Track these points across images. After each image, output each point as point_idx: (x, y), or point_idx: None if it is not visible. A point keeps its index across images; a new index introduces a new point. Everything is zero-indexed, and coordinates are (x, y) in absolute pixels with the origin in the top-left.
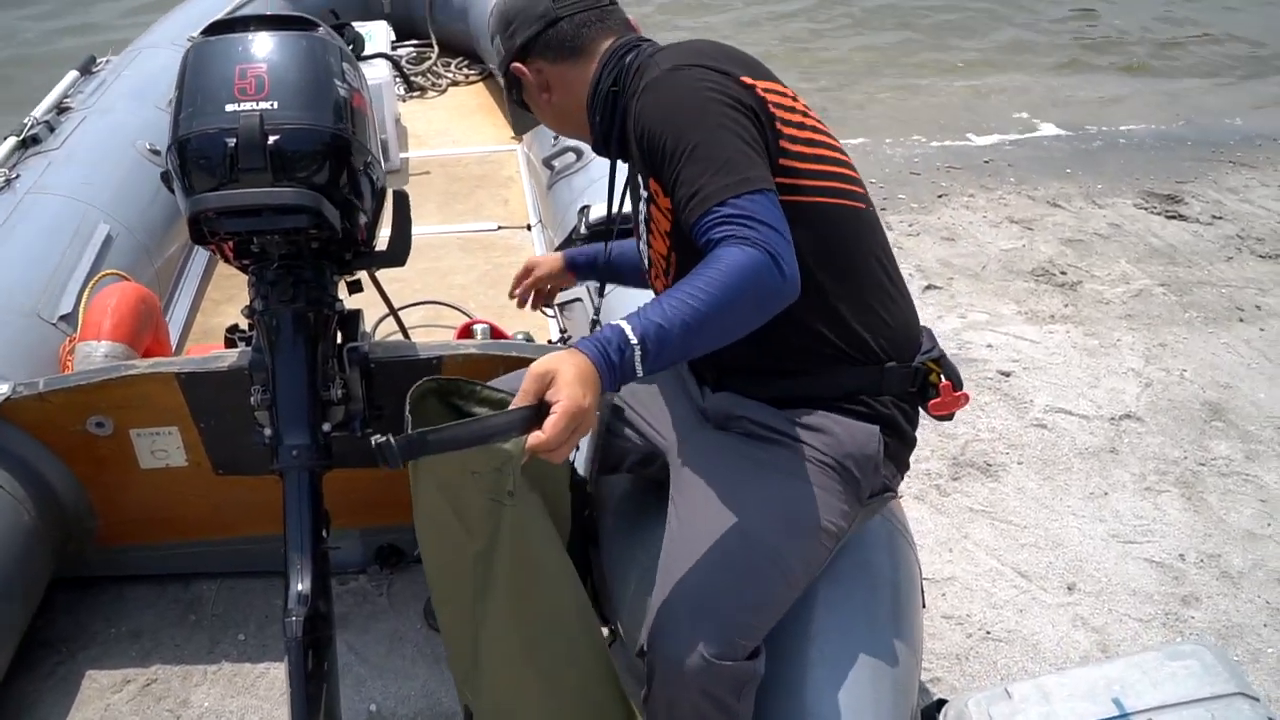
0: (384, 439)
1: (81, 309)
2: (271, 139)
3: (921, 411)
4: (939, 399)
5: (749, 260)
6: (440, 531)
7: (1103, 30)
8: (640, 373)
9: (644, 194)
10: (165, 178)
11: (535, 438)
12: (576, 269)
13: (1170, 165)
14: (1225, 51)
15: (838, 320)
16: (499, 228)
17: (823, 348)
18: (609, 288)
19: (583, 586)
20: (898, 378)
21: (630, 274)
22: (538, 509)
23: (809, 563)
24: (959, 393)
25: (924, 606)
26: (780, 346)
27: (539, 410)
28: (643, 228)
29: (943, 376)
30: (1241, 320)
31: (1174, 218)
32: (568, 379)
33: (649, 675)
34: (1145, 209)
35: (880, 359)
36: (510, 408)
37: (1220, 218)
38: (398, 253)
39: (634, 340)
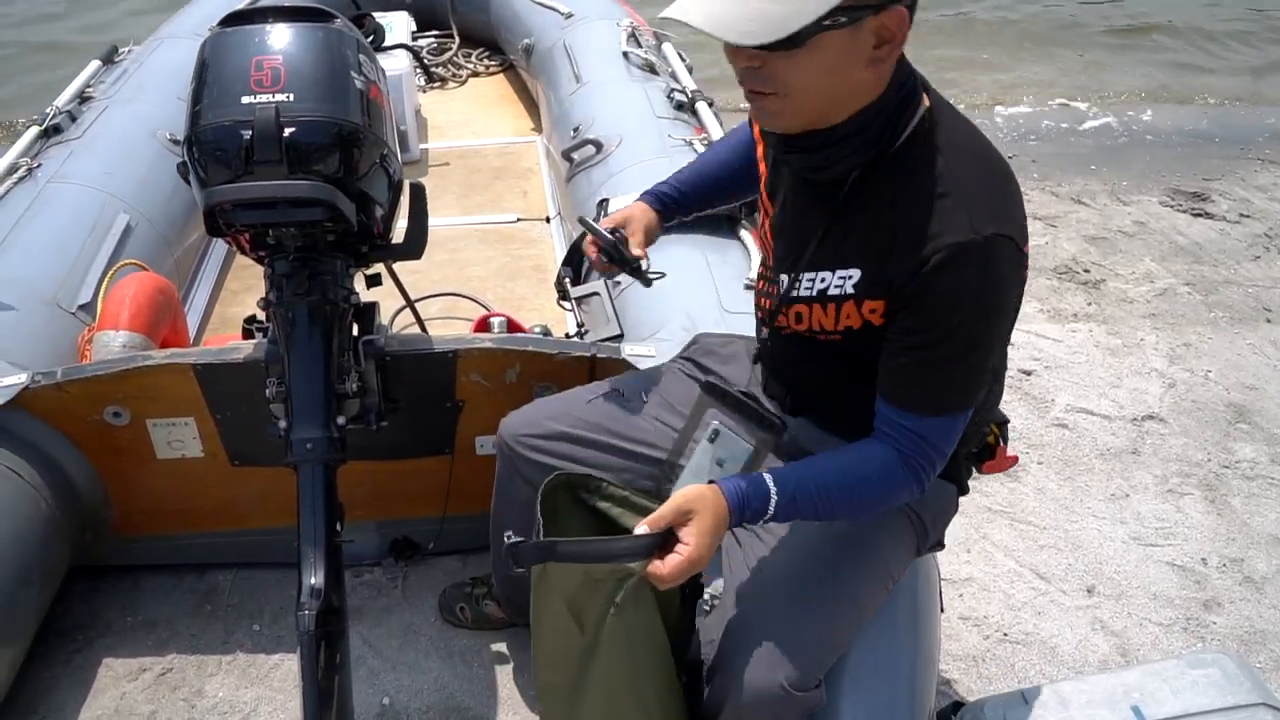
0: (518, 542)
1: (100, 299)
2: (287, 131)
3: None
4: (993, 460)
5: (902, 486)
6: (554, 623)
7: (1131, 21)
8: (768, 518)
9: (845, 278)
10: (181, 169)
11: (655, 568)
12: (664, 210)
13: (1197, 162)
14: (1256, 46)
15: None
16: (518, 220)
17: None
18: (624, 283)
19: (679, 687)
20: (974, 439)
21: (712, 196)
22: (647, 617)
23: (875, 605)
24: (1010, 455)
25: (942, 610)
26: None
27: (666, 537)
28: (805, 285)
29: (1000, 438)
30: (1269, 321)
31: (1200, 215)
32: (704, 528)
33: (717, 698)
34: (1171, 206)
35: (976, 425)
36: (641, 530)
37: (1248, 216)
38: (414, 246)
39: (770, 511)
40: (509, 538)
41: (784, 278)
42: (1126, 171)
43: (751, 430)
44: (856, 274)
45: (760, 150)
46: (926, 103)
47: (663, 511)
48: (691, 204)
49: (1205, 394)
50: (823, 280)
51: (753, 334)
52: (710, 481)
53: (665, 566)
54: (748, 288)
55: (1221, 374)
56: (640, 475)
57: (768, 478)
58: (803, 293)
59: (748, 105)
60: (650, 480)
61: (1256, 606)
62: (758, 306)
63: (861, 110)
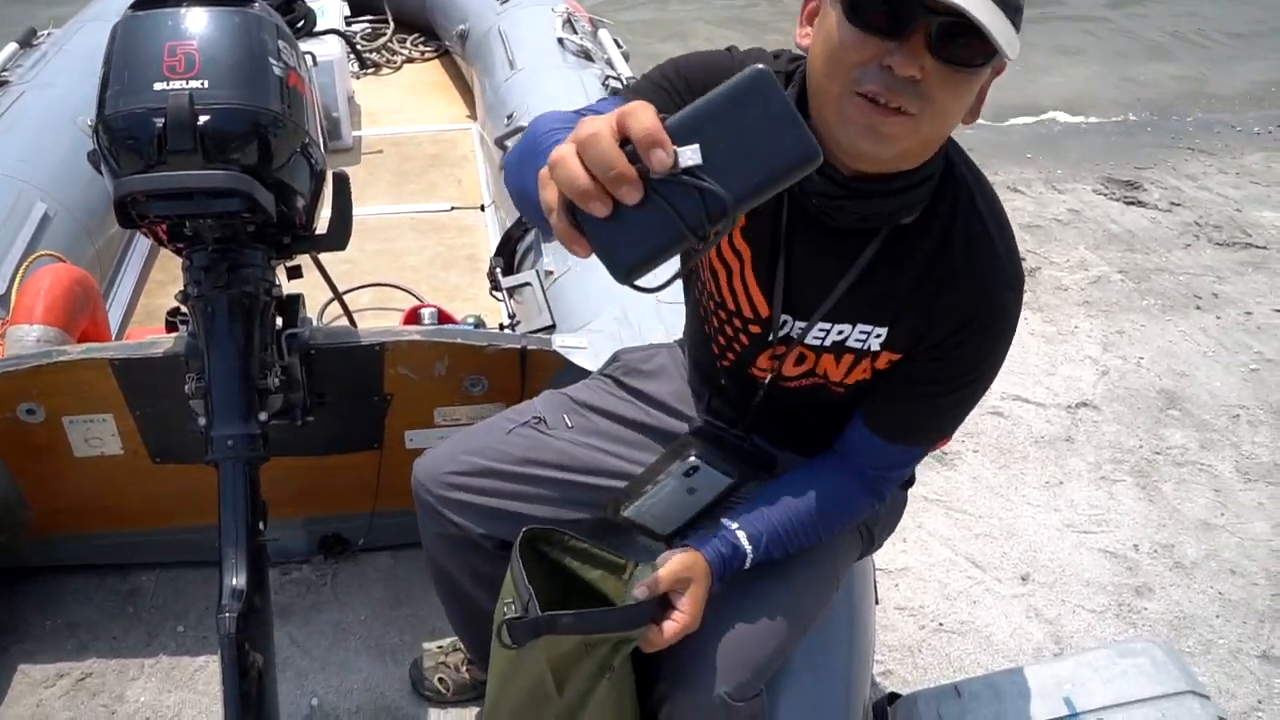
0: (508, 622)
1: (14, 291)
2: (201, 119)
3: None
4: None
5: (864, 509)
6: (528, 684)
7: (1067, 11)
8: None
9: (870, 333)
10: (92, 158)
11: (654, 636)
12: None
13: (1130, 151)
14: (1188, 38)
15: None
16: (452, 208)
17: None
18: (556, 273)
19: None
20: None
21: None
22: (630, 678)
23: (821, 613)
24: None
25: (877, 601)
26: (839, 426)
27: (662, 603)
28: (817, 334)
29: None
30: (1199, 308)
31: (1133, 204)
32: (699, 596)
33: (658, 706)
34: (1105, 195)
35: None
36: (640, 593)
37: (1179, 204)
38: (338, 237)
39: (745, 567)
40: (504, 610)
41: (785, 321)
42: (1062, 160)
43: (737, 465)
44: (885, 331)
45: None
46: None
47: (661, 577)
48: None
49: (1137, 381)
50: (840, 332)
51: (677, 336)
52: (689, 522)
53: (664, 635)
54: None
55: (1153, 361)
56: (578, 505)
57: (741, 536)
58: (811, 341)
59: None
60: (588, 510)
61: (1186, 591)
62: (717, 349)
63: (935, 156)
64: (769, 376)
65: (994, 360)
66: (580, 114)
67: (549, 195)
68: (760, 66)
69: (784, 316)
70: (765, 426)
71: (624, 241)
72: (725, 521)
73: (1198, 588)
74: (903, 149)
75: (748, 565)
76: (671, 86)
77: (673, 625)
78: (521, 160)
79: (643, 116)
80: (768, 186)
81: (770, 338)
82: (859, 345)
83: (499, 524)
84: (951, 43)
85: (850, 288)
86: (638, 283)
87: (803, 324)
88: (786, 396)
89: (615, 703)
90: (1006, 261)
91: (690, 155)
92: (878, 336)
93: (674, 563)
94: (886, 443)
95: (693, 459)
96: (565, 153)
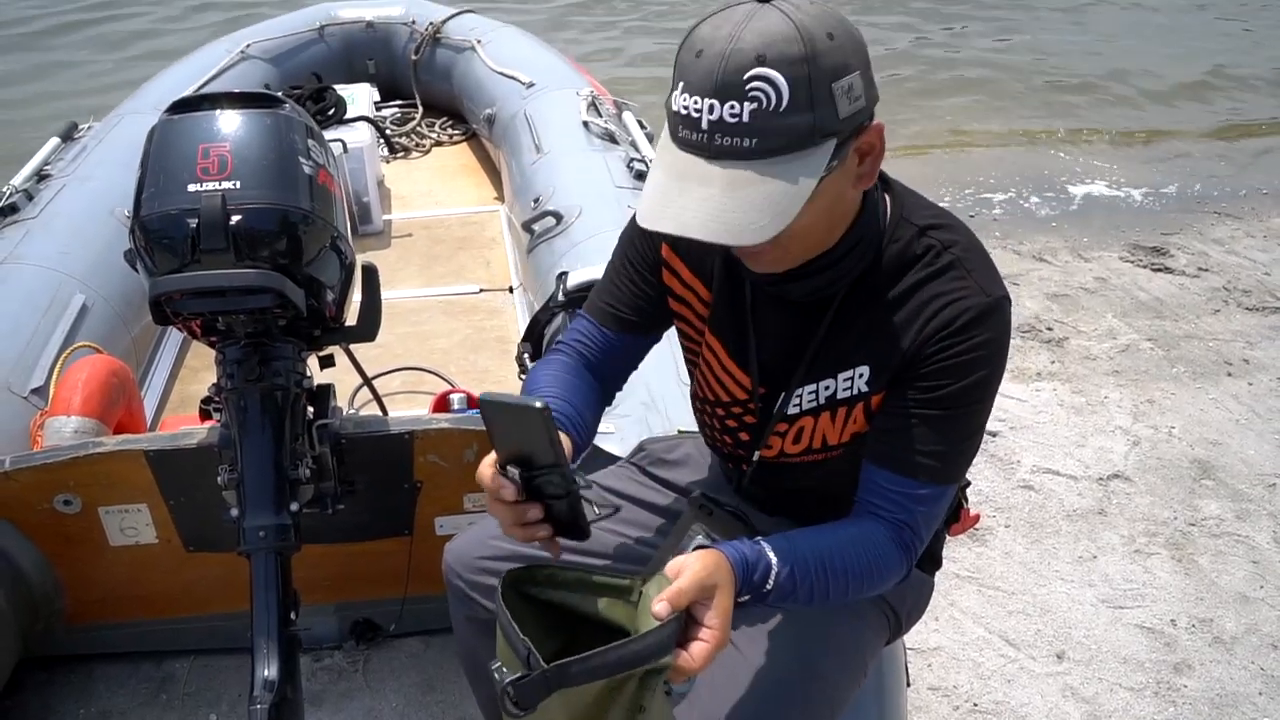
0: (512, 683)
1: (53, 383)
2: (234, 219)
3: None
4: (958, 522)
5: (894, 566)
6: None
7: (1081, 82)
8: (767, 600)
9: (854, 376)
10: (129, 256)
11: (684, 661)
12: None
13: (1156, 217)
14: (1210, 102)
15: None
16: (481, 290)
17: None
18: None
19: None
20: (951, 514)
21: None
22: (667, 712)
23: (849, 701)
24: (973, 515)
25: (909, 684)
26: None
27: (685, 621)
28: (808, 398)
29: (963, 500)
30: (1230, 375)
31: (1160, 270)
32: (726, 606)
33: None
34: (1131, 262)
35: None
36: (660, 608)
37: (1206, 269)
38: (367, 328)
39: (769, 585)
40: (500, 673)
41: (776, 397)
42: (1087, 228)
43: (741, 532)
44: (866, 370)
45: (692, 284)
46: (888, 192)
47: (684, 587)
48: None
49: (1169, 451)
50: (828, 387)
51: None
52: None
53: (695, 659)
54: None
55: (1185, 430)
56: None
57: (767, 549)
58: (806, 406)
59: None
60: None
61: (1227, 668)
62: (725, 434)
63: (853, 225)
64: (775, 454)
65: (980, 371)
66: (564, 345)
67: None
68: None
69: (776, 393)
70: (787, 509)
71: (555, 521)
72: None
73: (1239, 664)
74: (793, 261)
75: (770, 585)
76: (621, 268)
77: (703, 646)
78: None
79: (483, 474)
80: (551, 445)
81: (755, 406)
82: (848, 393)
83: None
84: None
85: (823, 344)
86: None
87: (793, 392)
88: (799, 476)
89: None
90: (977, 274)
91: (514, 473)
92: (861, 376)
93: (694, 568)
94: (894, 475)
95: (699, 539)
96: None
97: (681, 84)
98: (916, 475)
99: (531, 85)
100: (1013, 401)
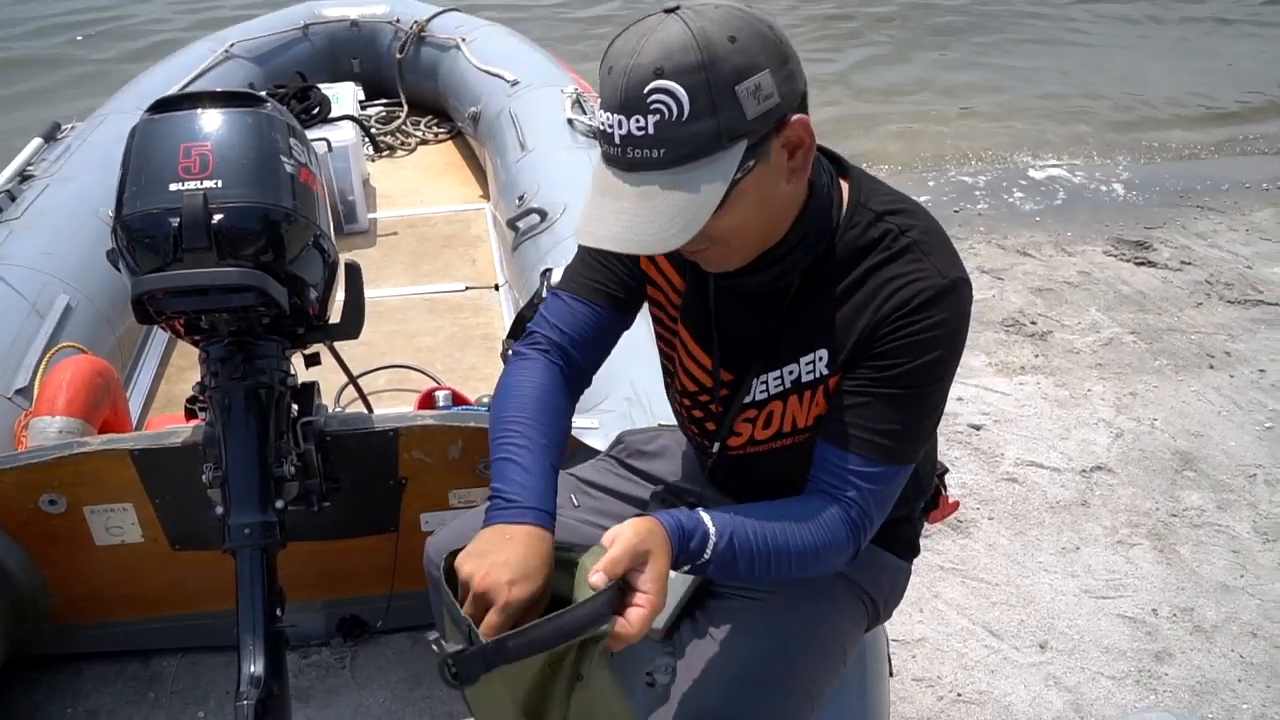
0: (452, 656)
1: (37, 383)
2: (215, 218)
3: None
4: (938, 510)
5: (839, 547)
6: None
7: (1071, 80)
8: (706, 568)
9: (816, 359)
10: (111, 256)
11: (622, 628)
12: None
13: (1139, 212)
14: (1193, 97)
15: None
16: (466, 288)
17: None
18: None
19: None
20: (926, 495)
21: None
22: (609, 680)
23: (828, 690)
24: (952, 501)
25: (891, 674)
26: None
27: (621, 589)
28: (774, 383)
29: (942, 487)
30: (1211, 367)
31: (1143, 264)
32: (660, 571)
33: None
34: (1115, 256)
35: (925, 485)
36: (597, 579)
37: (1189, 263)
38: (351, 326)
39: (706, 555)
40: (437, 644)
41: (741, 384)
42: (1070, 222)
43: None
44: (825, 353)
45: (668, 273)
46: (846, 180)
47: (616, 555)
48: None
49: (1152, 443)
50: (791, 372)
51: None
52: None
53: (632, 625)
54: None
55: (1167, 422)
56: None
57: (705, 518)
58: (773, 391)
59: None
60: None
61: (1207, 656)
62: (692, 424)
63: (800, 217)
64: (744, 441)
65: (935, 351)
66: (538, 338)
67: None
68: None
69: (739, 382)
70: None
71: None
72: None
73: (1219, 652)
74: (741, 258)
75: (708, 554)
76: (597, 250)
77: (639, 611)
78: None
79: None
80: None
81: (721, 394)
82: (811, 376)
83: None
84: None
85: (782, 332)
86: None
87: (758, 379)
88: (769, 463)
89: (589, 714)
90: (934, 256)
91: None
92: (821, 360)
93: (627, 535)
94: (846, 453)
95: None
96: None
97: (600, 101)
98: (869, 453)
99: (516, 83)
100: (996, 395)
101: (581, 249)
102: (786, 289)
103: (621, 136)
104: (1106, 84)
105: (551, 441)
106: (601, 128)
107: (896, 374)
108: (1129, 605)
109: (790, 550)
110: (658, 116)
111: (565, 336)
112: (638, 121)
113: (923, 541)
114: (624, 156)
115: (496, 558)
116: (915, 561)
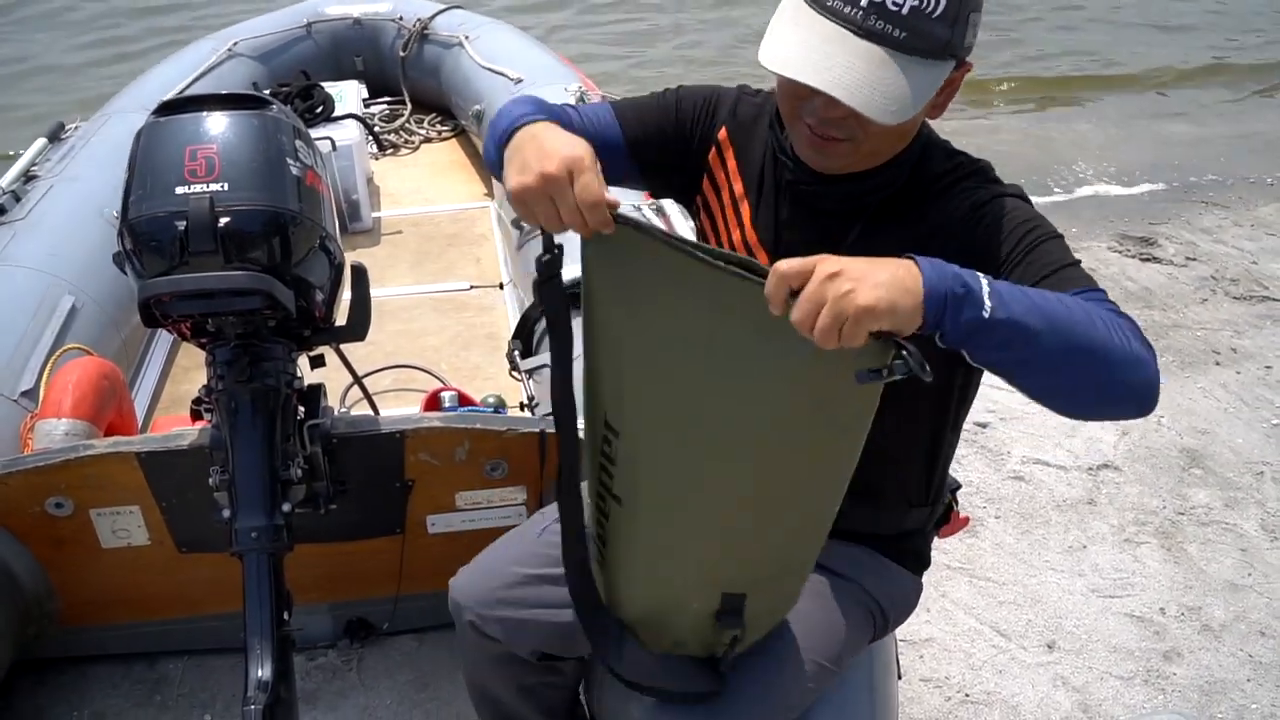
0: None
1: (43, 385)
2: (222, 221)
3: None
4: (949, 524)
5: (1136, 338)
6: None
7: (1069, 73)
8: (986, 309)
9: None
10: (117, 259)
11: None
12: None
13: (1144, 207)
14: (1199, 90)
15: (932, 462)
16: (471, 287)
17: (903, 489)
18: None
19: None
20: (938, 511)
21: None
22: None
23: (814, 696)
24: (963, 517)
25: (900, 676)
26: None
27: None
28: None
29: (954, 503)
30: (1218, 364)
31: (1149, 260)
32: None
33: None
34: (1120, 252)
35: (938, 499)
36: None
37: (1194, 259)
38: (357, 328)
39: (984, 279)
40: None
41: None
42: (1076, 219)
43: None
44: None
45: (733, 176)
46: None
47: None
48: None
49: (1158, 440)
50: None
51: None
52: None
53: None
54: None
55: (1174, 419)
56: None
57: (965, 273)
58: None
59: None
60: None
61: (1215, 655)
62: None
63: (906, 150)
64: None
65: (1026, 217)
66: (564, 110)
67: None
68: None
69: None
70: None
71: None
72: None
73: (1227, 651)
74: (848, 164)
75: (986, 299)
76: (665, 106)
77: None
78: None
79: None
80: None
81: None
82: None
83: (547, 636)
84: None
85: (851, 248)
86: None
87: None
88: None
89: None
90: (985, 186)
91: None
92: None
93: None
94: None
95: None
96: None
97: None
98: (1076, 288)
99: (520, 81)
100: (1003, 393)
101: (656, 98)
102: (863, 209)
103: (872, 2)
104: (1113, 78)
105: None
106: None
107: (1023, 242)
108: (1136, 604)
109: (1094, 322)
110: (917, 2)
111: (581, 126)
112: None
113: (931, 545)
114: (864, 21)
115: (533, 150)
116: None
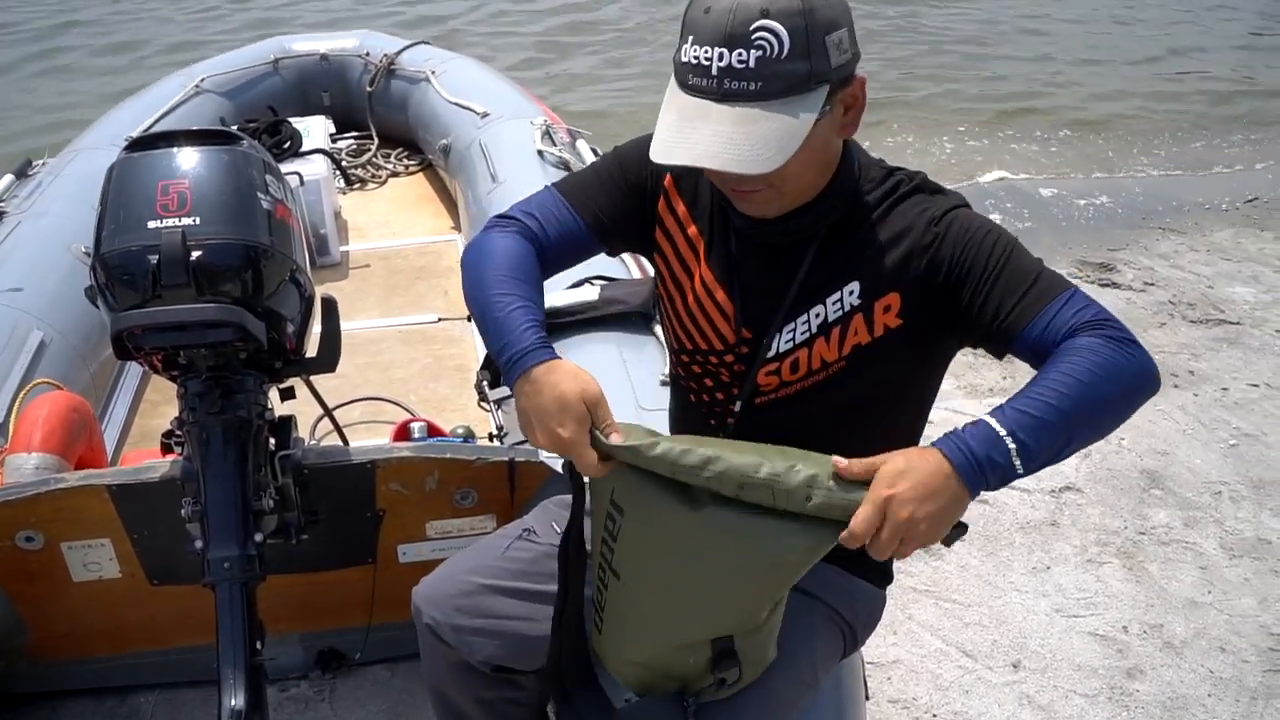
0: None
1: (12, 420)
2: (194, 255)
3: None
4: None
5: (1131, 354)
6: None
7: (1032, 98)
8: (1020, 470)
9: (846, 294)
10: (89, 293)
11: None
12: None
13: (1103, 234)
14: (1155, 117)
15: None
16: (439, 319)
17: None
18: None
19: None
20: None
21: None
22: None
23: (796, 710)
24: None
25: (867, 696)
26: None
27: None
28: (800, 330)
29: None
30: (1176, 386)
31: (1108, 285)
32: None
33: None
34: (1080, 278)
35: None
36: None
37: (1152, 284)
38: (327, 359)
39: (1002, 432)
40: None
41: (762, 339)
42: (1035, 245)
43: None
44: (855, 285)
45: (685, 221)
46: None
47: (871, 495)
48: None
49: (1119, 462)
50: (818, 315)
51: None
52: None
53: (856, 520)
54: (663, 384)
55: (1134, 441)
56: None
57: (985, 418)
58: (799, 339)
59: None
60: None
61: (1177, 671)
62: (700, 389)
63: (837, 172)
64: (774, 386)
65: (988, 228)
66: (528, 227)
67: None
68: None
69: (760, 337)
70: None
71: None
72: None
73: (1188, 667)
74: (781, 206)
75: (1005, 434)
76: (609, 176)
77: (868, 510)
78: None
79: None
80: None
81: (742, 350)
82: (839, 313)
83: (500, 647)
84: None
85: (807, 277)
86: None
87: (782, 331)
88: (799, 406)
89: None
90: (940, 195)
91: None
92: (851, 293)
93: (888, 464)
94: (1041, 316)
95: None
96: None
97: (691, 38)
98: (1054, 295)
99: (486, 115)
100: (965, 418)
101: (598, 171)
102: (810, 240)
103: (720, 68)
104: (1070, 105)
105: (538, 301)
106: (694, 61)
107: (992, 257)
108: (1100, 623)
109: (1102, 385)
110: (760, 52)
111: (543, 232)
112: (740, 55)
113: (894, 563)
114: (719, 87)
115: (548, 394)
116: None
